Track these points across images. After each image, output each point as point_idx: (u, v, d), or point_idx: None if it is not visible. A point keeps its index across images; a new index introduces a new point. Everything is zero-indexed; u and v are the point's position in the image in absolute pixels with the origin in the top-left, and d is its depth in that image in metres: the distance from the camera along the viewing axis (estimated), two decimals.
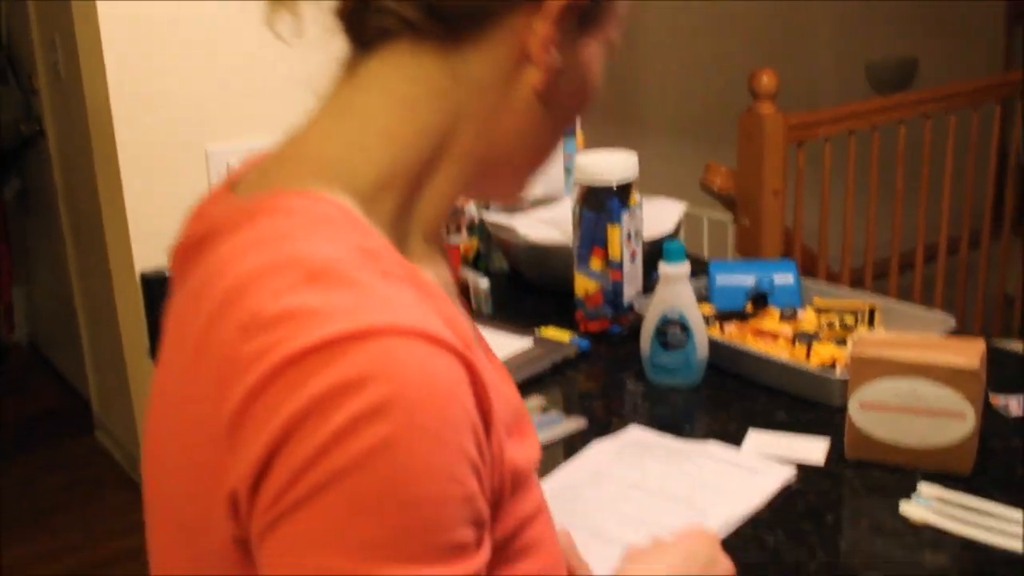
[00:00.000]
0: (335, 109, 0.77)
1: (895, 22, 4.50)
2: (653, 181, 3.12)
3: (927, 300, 3.15)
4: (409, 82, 0.75)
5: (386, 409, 0.60)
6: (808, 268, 2.85)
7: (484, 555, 0.66)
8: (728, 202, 2.84)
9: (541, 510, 0.78)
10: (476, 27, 0.75)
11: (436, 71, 0.75)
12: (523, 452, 0.76)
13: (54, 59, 3.22)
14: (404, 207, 0.76)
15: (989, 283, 3.60)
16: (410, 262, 0.72)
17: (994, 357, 1.62)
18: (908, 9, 4.49)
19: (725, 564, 0.96)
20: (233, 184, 0.78)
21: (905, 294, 3.24)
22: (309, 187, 0.72)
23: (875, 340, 1.36)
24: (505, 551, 0.73)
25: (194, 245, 0.74)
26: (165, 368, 0.73)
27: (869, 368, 1.31)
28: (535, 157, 0.84)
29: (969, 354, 1.28)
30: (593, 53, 0.81)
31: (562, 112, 0.82)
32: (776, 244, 2.76)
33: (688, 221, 3.04)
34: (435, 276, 0.78)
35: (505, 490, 0.71)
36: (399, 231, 0.76)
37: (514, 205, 2.01)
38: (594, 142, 2.02)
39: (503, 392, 0.76)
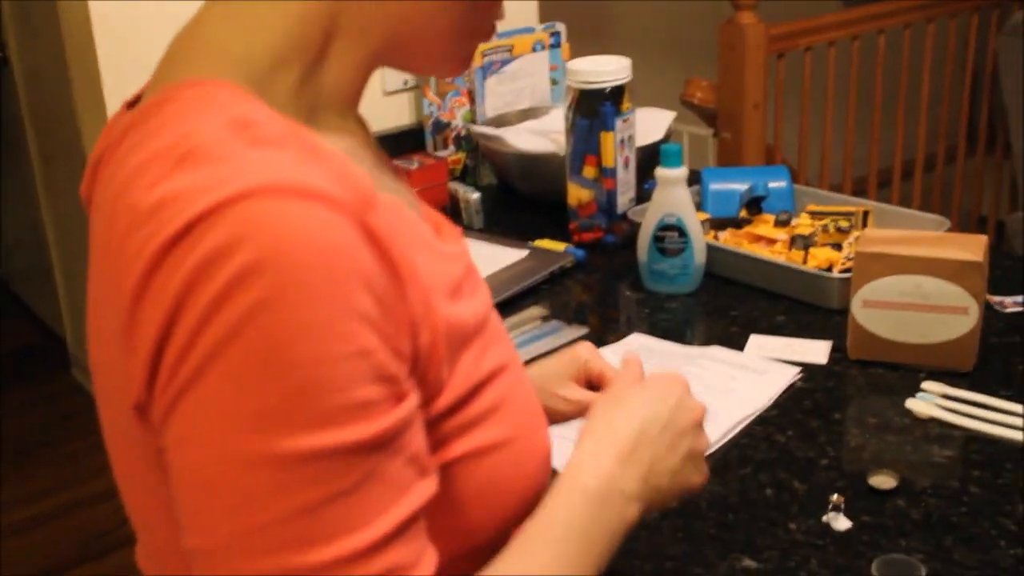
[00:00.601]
0: None
1: None
2: (634, 98, 3.09)
3: None
4: None
5: (258, 270, 0.57)
6: None
7: (401, 412, 0.63)
8: (709, 116, 2.82)
9: (504, 369, 0.77)
10: None
11: None
12: (470, 308, 0.74)
13: None
14: (305, 81, 0.73)
15: (964, 201, 3.61)
16: (303, 128, 0.69)
17: (993, 261, 1.63)
18: None
19: (697, 407, 0.90)
20: (134, 101, 0.76)
21: None
22: (199, 74, 0.69)
23: (879, 237, 1.35)
24: (463, 414, 0.71)
25: (95, 165, 0.72)
26: (91, 299, 0.71)
27: (874, 265, 1.31)
28: (448, 26, 0.77)
29: (973, 248, 1.28)
30: None
31: None
32: (758, 158, 2.74)
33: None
34: (349, 145, 0.75)
35: (438, 347, 0.68)
36: (303, 104, 0.73)
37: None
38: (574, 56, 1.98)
39: (441, 249, 0.74)
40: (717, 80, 2.74)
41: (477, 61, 2.00)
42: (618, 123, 1.66)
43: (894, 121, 3.15)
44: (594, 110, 1.66)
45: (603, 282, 1.66)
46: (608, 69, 1.66)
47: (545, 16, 2.33)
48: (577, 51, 2.03)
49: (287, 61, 0.71)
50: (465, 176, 2.06)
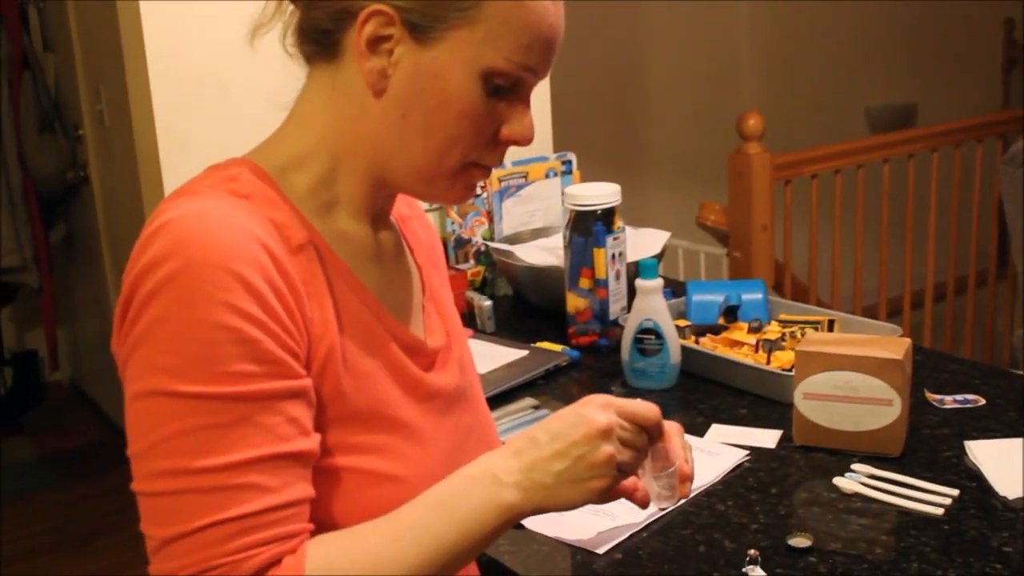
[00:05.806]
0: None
1: (894, 68, 4.72)
2: (658, 219, 3.33)
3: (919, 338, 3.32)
4: (312, 91, 1.01)
5: (169, 281, 0.85)
6: (799, 300, 3.05)
7: (278, 385, 0.88)
8: (722, 237, 3.05)
9: (414, 429, 1.01)
10: (334, 42, 0.97)
11: (325, 82, 1.00)
12: (399, 366, 1.02)
13: (99, 108, 3.49)
14: (323, 183, 1.01)
15: (976, 325, 3.76)
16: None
17: (942, 365, 1.83)
18: (907, 55, 4.71)
19: (597, 422, 0.97)
20: None
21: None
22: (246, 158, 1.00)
23: (818, 339, 1.56)
24: (353, 425, 0.96)
25: None
26: None
27: (811, 362, 1.51)
28: (409, 161, 0.98)
29: (895, 349, 1.49)
30: (442, 66, 0.94)
31: (423, 119, 0.95)
32: (767, 276, 2.97)
33: (687, 256, 3.26)
34: (340, 236, 1.01)
35: (334, 356, 0.94)
36: (319, 201, 1.01)
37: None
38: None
39: (395, 288, 1.06)
40: (728, 204, 2.98)
41: (495, 186, 2.26)
42: (609, 240, 1.90)
43: (903, 243, 3.35)
44: (588, 229, 1.90)
45: (593, 379, 1.88)
46: (600, 193, 1.90)
47: (568, 144, 2.59)
48: (603, 176, 2.24)
49: (303, 166, 1.00)
50: (484, 287, 2.30)
